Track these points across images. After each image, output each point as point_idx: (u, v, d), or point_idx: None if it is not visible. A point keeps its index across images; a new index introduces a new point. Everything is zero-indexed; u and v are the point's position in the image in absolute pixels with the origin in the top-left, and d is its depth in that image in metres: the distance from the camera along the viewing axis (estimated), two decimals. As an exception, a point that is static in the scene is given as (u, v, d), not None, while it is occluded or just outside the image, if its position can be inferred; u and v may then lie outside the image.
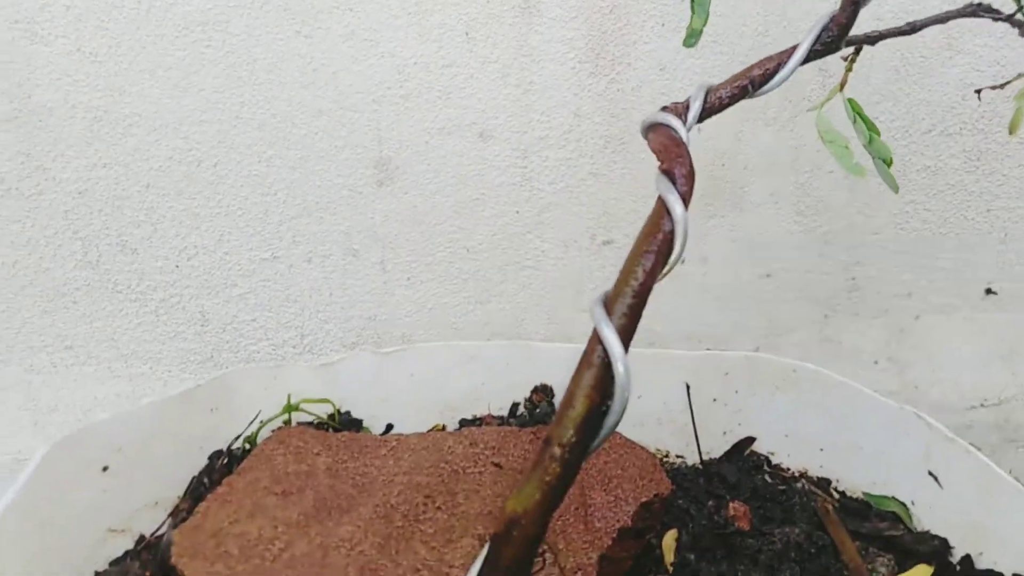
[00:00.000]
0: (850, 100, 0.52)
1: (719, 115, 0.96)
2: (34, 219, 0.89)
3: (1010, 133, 0.56)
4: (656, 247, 0.36)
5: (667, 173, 0.38)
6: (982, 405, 0.94)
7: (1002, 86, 0.57)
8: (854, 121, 0.52)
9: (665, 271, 0.37)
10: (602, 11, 0.85)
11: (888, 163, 0.52)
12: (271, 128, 0.87)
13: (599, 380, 0.35)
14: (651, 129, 0.42)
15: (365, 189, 0.91)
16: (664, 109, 0.43)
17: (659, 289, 0.38)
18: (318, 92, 0.86)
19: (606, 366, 0.35)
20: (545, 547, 0.40)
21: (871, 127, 0.52)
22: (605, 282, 0.82)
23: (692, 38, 0.60)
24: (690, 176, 0.38)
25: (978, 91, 0.60)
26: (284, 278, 0.94)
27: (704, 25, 0.59)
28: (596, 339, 0.35)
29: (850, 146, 0.52)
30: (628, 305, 0.36)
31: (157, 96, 0.85)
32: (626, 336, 0.35)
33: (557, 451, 0.35)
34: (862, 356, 0.94)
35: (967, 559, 0.53)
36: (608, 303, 0.36)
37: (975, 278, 0.95)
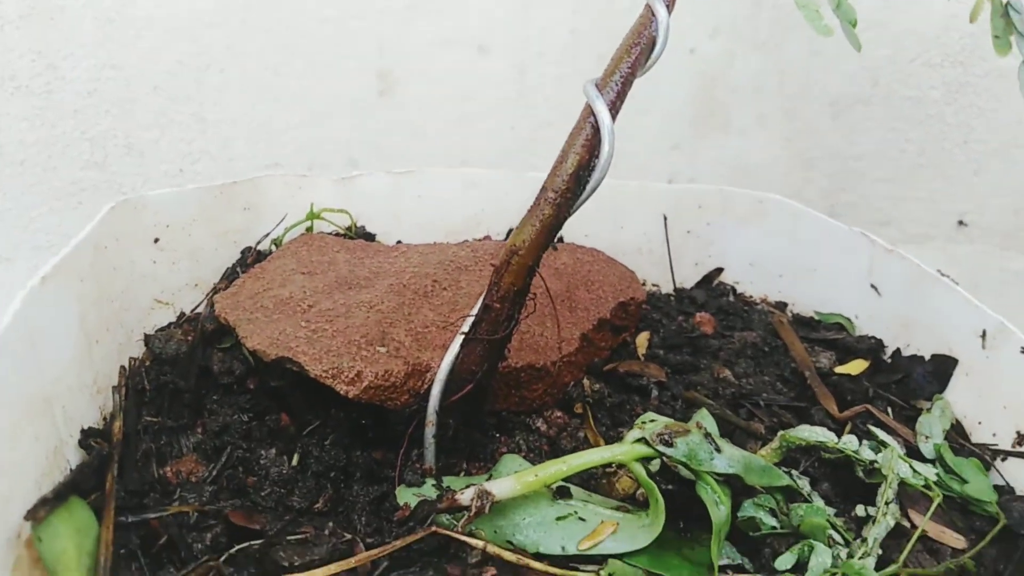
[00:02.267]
0: (823, -33, 0.52)
1: (712, 38, 0.95)
2: (43, 118, 0.87)
3: (971, 20, 0.57)
4: (642, 42, 0.41)
5: None
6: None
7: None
8: None
9: (648, 65, 0.41)
10: (605, -71, 0.84)
11: (853, 24, 0.54)
12: (277, 34, 0.87)
13: (589, 142, 0.40)
14: None
15: (367, 99, 0.90)
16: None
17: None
18: (323, 1, 0.85)
19: (595, 131, 0.39)
20: (535, 293, 0.40)
21: None
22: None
23: None
24: None
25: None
26: (286, 185, 0.93)
27: None
28: (588, 111, 0.40)
29: (820, 10, 0.53)
30: (617, 85, 0.41)
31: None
32: (613, 109, 0.40)
33: (551, 196, 0.40)
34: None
35: (896, 351, 0.58)
36: (599, 85, 0.39)
37: (949, 209, 0.95)
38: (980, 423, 0.49)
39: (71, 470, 0.41)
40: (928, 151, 0.92)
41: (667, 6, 0.42)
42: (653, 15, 0.42)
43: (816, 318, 0.64)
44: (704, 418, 0.45)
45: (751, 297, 0.69)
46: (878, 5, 0.86)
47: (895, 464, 0.41)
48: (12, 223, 0.92)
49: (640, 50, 0.42)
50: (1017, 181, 0.93)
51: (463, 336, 0.42)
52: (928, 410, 0.49)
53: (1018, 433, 0.46)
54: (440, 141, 0.92)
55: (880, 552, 0.38)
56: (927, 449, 0.46)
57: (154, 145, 0.91)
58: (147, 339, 0.52)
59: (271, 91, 0.90)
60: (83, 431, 0.43)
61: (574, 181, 0.40)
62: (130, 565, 0.38)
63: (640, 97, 0.88)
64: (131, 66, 0.87)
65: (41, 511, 0.37)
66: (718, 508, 0.38)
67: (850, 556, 0.38)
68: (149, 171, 0.92)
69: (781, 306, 0.68)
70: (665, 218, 0.70)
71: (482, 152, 0.93)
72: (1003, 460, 0.46)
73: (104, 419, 0.46)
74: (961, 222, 0.95)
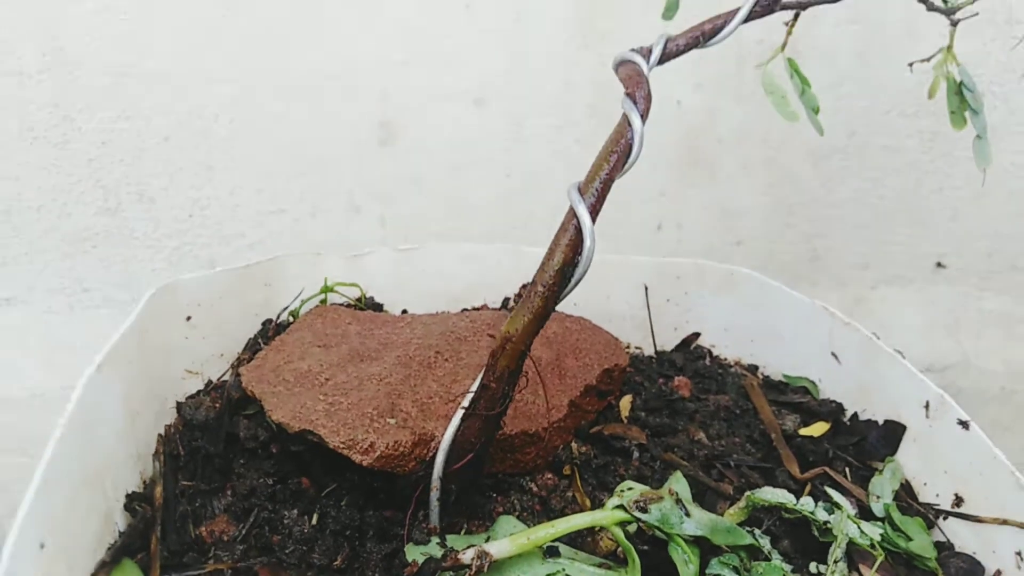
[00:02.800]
0: (789, 59, 0.60)
1: (697, 91, 1.03)
2: (59, 166, 0.94)
3: (929, 97, 0.64)
4: (620, 149, 0.47)
5: (630, 96, 0.47)
6: (929, 370, 1.01)
7: (923, 61, 0.64)
8: (791, 76, 0.59)
9: (625, 168, 0.48)
10: (594, -11, 0.91)
11: (816, 111, 0.61)
12: (283, 88, 0.94)
13: (572, 241, 0.46)
14: (621, 64, 0.50)
15: (368, 149, 0.97)
16: (633, 50, 0.50)
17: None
18: (328, 56, 0.93)
19: (578, 232, 0.46)
20: (527, 372, 0.47)
21: (804, 81, 0.59)
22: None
23: (669, 11, 0.67)
24: (647, 99, 0.47)
25: (911, 64, 0.67)
26: (290, 230, 1.00)
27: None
28: (572, 214, 0.46)
29: (787, 97, 0.60)
30: (597, 190, 0.47)
31: (180, 55, 0.92)
32: (594, 212, 0.46)
33: (541, 289, 0.47)
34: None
35: (855, 415, 0.66)
36: (581, 189, 0.46)
37: (927, 252, 1.02)
38: (925, 484, 0.56)
39: (120, 533, 0.48)
40: (905, 197, 0.99)
41: (641, 116, 0.49)
42: (629, 125, 0.48)
43: (784, 380, 0.72)
44: (678, 481, 0.52)
45: (726, 360, 0.77)
46: (854, 62, 0.93)
47: (844, 525, 0.48)
48: (27, 266, 0.99)
49: (618, 156, 0.48)
50: (990, 226, 1.00)
51: (463, 411, 0.49)
52: (880, 471, 0.56)
53: (956, 495, 0.53)
54: (439, 188, 0.99)
55: (828, 605, 0.45)
56: (877, 508, 0.53)
57: (164, 192, 0.98)
58: (179, 407, 0.59)
59: (276, 140, 0.96)
60: (128, 495, 0.50)
61: (560, 276, 0.47)
62: (175, 618, 0.45)
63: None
64: (143, 117, 0.94)
65: (101, 573, 0.44)
66: (687, 567, 0.45)
67: (801, 609, 0.45)
68: (159, 216, 0.99)
69: (753, 368, 0.75)
70: (646, 288, 0.79)
71: (478, 198, 1.00)
72: (944, 519, 0.54)
73: (144, 483, 0.53)
74: (939, 264, 1.02)
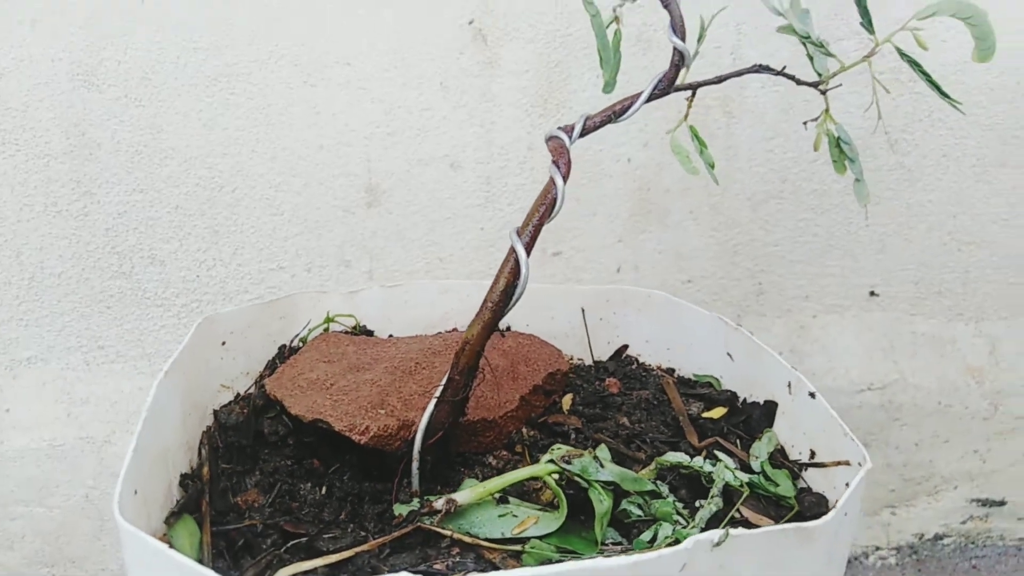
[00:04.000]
0: (691, 127, 0.84)
1: (645, 149, 1.31)
2: (79, 236, 1.17)
3: (815, 150, 0.88)
4: (547, 202, 0.71)
5: (555, 163, 0.71)
6: (869, 389, 1.25)
7: (811, 121, 0.89)
8: (692, 138, 0.84)
9: (552, 216, 0.72)
10: (549, 65, 1.18)
11: (711, 167, 0.84)
12: (281, 160, 1.18)
13: (512, 269, 0.71)
14: (550, 139, 0.75)
15: (357, 210, 1.22)
16: (559, 128, 0.75)
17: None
18: (320, 130, 1.18)
19: (516, 263, 0.71)
20: (484, 367, 0.71)
21: (702, 144, 0.84)
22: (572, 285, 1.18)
23: (608, 87, 0.91)
24: (568, 164, 0.72)
25: (805, 123, 0.92)
26: (288, 285, 1.24)
27: (612, 78, 0.90)
28: (512, 250, 0.71)
29: (690, 156, 0.84)
30: (530, 232, 0.72)
31: (189, 134, 1.15)
32: (528, 248, 0.71)
33: (489, 305, 0.72)
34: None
35: (744, 400, 0.92)
36: (519, 231, 0.70)
37: (860, 283, 1.27)
38: (792, 446, 0.81)
39: (177, 500, 0.72)
40: (836, 234, 1.25)
41: (563, 177, 0.73)
42: (554, 184, 0.73)
43: (694, 379, 0.98)
44: (602, 450, 0.76)
45: (649, 365, 1.04)
46: (780, 117, 1.19)
47: (721, 472, 0.72)
48: (47, 327, 1.19)
49: (546, 207, 0.73)
50: (915, 257, 1.26)
51: (435, 399, 0.73)
52: (759, 439, 0.80)
53: (811, 451, 0.78)
54: (420, 242, 1.24)
55: (704, 527, 0.69)
56: (755, 465, 0.77)
57: (173, 255, 1.20)
58: (215, 413, 0.84)
59: (274, 206, 1.21)
60: (181, 475, 0.74)
61: (504, 296, 0.71)
62: (222, 556, 0.68)
63: (587, 202, 1.21)
64: (156, 190, 1.15)
65: (171, 519, 0.68)
66: (601, 504, 0.68)
67: (684, 528, 0.68)
68: (169, 277, 1.21)
69: (670, 371, 1.01)
70: (583, 310, 1.06)
71: (455, 248, 1.25)
72: (804, 470, 0.78)
73: (192, 468, 0.77)
74: (872, 293, 1.27)
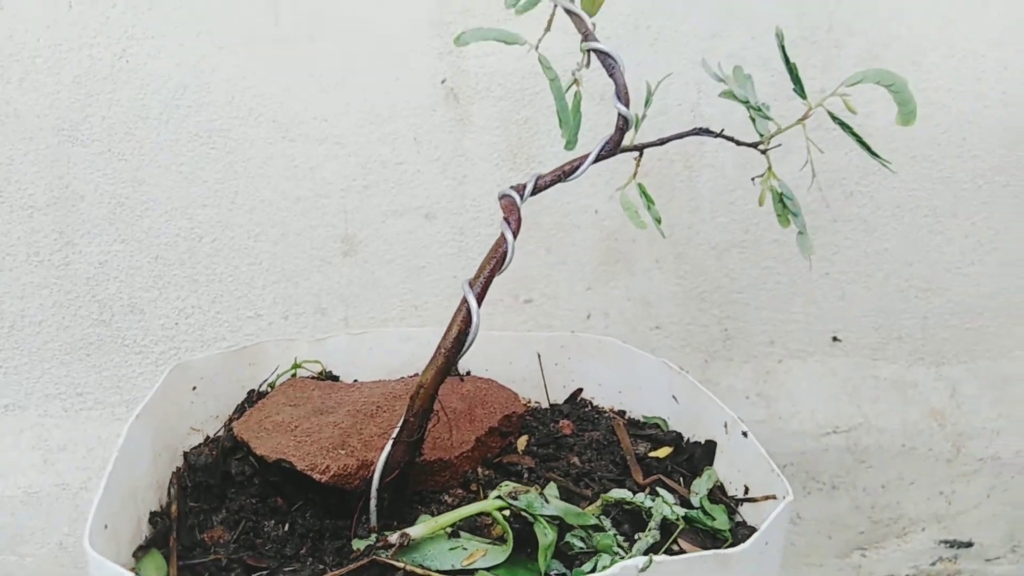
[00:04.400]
0: (639, 184, 0.92)
1: (610, 201, 1.39)
2: (60, 285, 1.23)
3: (759, 204, 0.95)
4: (498, 256, 0.79)
5: (506, 219, 0.79)
6: (834, 432, 1.32)
7: (757, 177, 0.97)
8: (641, 195, 0.92)
9: (502, 269, 0.79)
10: (518, 123, 1.26)
11: (658, 221, 0.91)
12: (259, 212, 1.25)
13: (464, 318, 0.79)
14: (502, 197, 0.83)
15: (333, 259, 1.29)
16: (511, 187, 0.83)
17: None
18: (298, 183, 1.25)
19: (468, 312, 0.78)
20: (440, 410, 0.78)
21: (650, 200, 0.92)
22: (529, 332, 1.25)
23: (569, 144, 0.98)
24: (518, 221, 0.80)
25: (753, 178, 0.99)
26: (265, 332, 1.31)
27: (573, 136, 0.96)
28: (464, 300, 0.78)
29: (639, 211, 0.92)
30: (482, 283, 0.79)
31: (169, 186, 1.22)
32: (479, 298, 0.79)
33: (443, 351, 0.79)
34: (736, 393, 1.33)
35: (688, 440, 0.99)
36: (471, 283, 0.77)
37: (823, 329, 1.35)
38: (730, 483, 0.88)
39: (146, 535, 0.79)
40: (798, 282, 1.33)
41: (513, 233, 0.81)
42: (505, 239, 0.81)
43: (643, 420, 1.06)
44: (550, 488, 0.83)
45: (602, 408, 1.11)
46: (739, 173, 1.28)
47: (660, 507, 0.79)
48: (26, 375, 1.25)
49: (496, 260, 0.80)
50: (874, 303, 1.33)
51: (392, 440, 0.80)
52: (699, 476, 0.88)
53: (745, 487, 0.85)
54: (396, 290, 1.32)
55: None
56: (695, 500, 0.85)
57: (153, 304, 1.26)
58: (185, 455, 0.91)
59: (253, 255, 1.27)
60: (151, 512, 0.82)
61: (456, 343, 0.79)
62: (188, 589, 0.75)
63: (557, 251, 1.29)
64: (136, 240, 1.21)
65: (139, 553, 0.75)
66: (545, 536, 0.75)
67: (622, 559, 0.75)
68: (148, 325, 1.28)
69: (621, 413, 1.09)
70: (539, 355, 1.14)
71: (430, 295, 1.32)
72: (740, 505, 0.85)
73: (161, 506, 0.84)
74: (835, 338, 1.35)
